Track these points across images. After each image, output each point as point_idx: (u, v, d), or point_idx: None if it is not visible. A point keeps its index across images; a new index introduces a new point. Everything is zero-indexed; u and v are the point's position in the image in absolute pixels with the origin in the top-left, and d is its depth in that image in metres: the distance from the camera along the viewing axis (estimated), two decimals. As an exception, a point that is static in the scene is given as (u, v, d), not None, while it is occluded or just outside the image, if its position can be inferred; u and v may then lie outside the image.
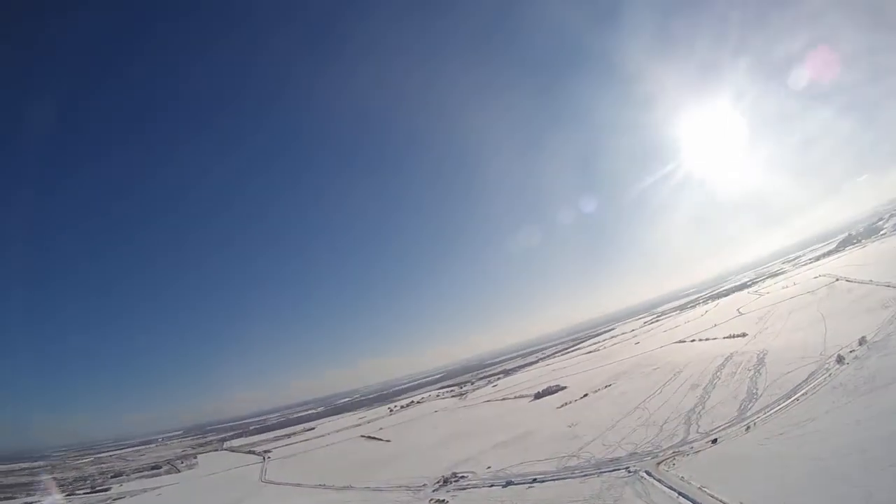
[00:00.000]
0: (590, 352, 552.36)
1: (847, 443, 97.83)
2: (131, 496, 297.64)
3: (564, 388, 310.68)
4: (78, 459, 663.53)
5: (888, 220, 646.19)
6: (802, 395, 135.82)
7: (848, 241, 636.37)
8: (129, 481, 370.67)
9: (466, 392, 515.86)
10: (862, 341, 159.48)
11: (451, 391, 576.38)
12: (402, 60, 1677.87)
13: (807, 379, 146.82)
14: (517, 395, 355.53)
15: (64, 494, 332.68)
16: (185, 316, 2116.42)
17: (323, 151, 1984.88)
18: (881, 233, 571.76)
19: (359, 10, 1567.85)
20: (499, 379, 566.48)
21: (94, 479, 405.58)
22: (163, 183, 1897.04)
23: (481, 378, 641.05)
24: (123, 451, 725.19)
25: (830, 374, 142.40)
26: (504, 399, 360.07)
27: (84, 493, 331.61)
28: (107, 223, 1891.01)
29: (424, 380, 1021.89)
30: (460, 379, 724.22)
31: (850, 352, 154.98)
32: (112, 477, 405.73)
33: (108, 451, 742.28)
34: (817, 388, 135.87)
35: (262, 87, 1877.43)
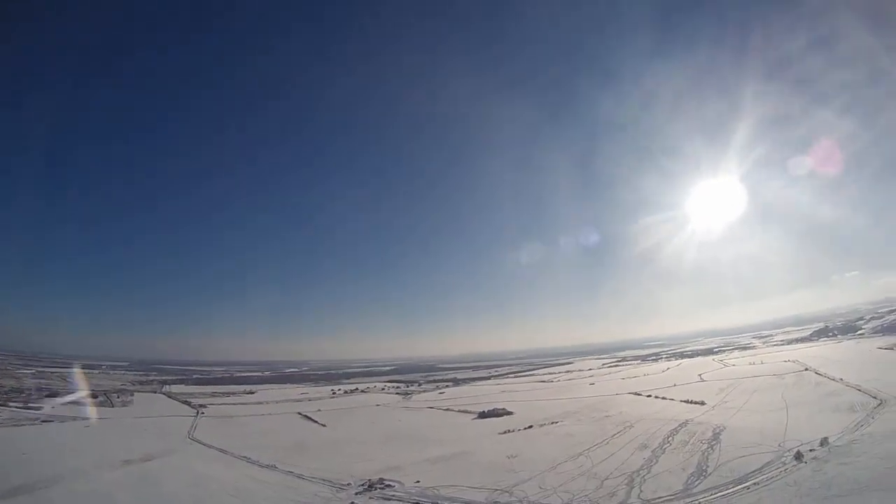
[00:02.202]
0: (543, 381, 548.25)
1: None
2: (59, 421, 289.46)
3: (510, 413, 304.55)
4: (21, 369, 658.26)
5: (868, 321, 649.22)
6: (753, 484, 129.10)
7: (823, 333, 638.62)
8: (62, 405, 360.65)
9: (412, 393, 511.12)
10: (824, 442, 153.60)
11: (398, 388, 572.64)
12: (402, 60, 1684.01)
13: (761, 468, 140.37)
14: (462, 408, 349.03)
15: None
16: (155, 245, 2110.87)
17: (320, 148, 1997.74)
18: (859, 332, 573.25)
19: (359, 10, 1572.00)
20: (447, 387, 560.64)
21: (29, 394, 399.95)
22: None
23: (430, 381, 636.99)
24: (67, 370, 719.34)
25: (786, 470, 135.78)
26: (448, 410, 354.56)
27: (16, 407, 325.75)
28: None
29: (375, 368, 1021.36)
30: (409, 377, 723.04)
31: (811, 450, 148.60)
32: (47, 396, 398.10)
33: (52, 367, 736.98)
34: (770, 482, 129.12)
35: (263, 87, 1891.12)
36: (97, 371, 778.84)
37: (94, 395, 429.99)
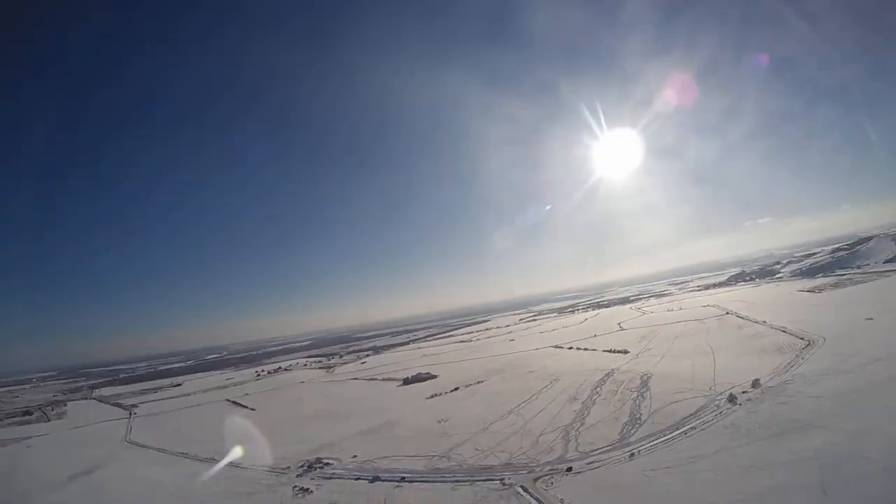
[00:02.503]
0: (463, 341, 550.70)
1: (740, 490, 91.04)
2: (2, 447, 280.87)
3: (435, 376, 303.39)
4: None
5: (786, 264, 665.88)
6: (690, 429, 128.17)
7: (741, 277, 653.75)
8: (0, 427, 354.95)
9: (334, 365, 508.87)
10: (755, 384, 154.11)
11: (320, 362, 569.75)
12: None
13: (695, 413, 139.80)
14: (385, 376, 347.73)
15: None
16: (60, 248, 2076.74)
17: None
18: (777, 276, 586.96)
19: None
20: (368, 356, 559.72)
21: None
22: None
23: (351, 352, 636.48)
24: None
25: (721, 413, 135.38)
26: (372, 379, 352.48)
27: None
28: None
29: (292, 345, 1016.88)
30: (329, 350, 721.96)
31: (743, 392, 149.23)
32: None
33: None
34: (706, 425, 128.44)
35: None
36: (28, 385, 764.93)
37: (29, 412, 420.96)
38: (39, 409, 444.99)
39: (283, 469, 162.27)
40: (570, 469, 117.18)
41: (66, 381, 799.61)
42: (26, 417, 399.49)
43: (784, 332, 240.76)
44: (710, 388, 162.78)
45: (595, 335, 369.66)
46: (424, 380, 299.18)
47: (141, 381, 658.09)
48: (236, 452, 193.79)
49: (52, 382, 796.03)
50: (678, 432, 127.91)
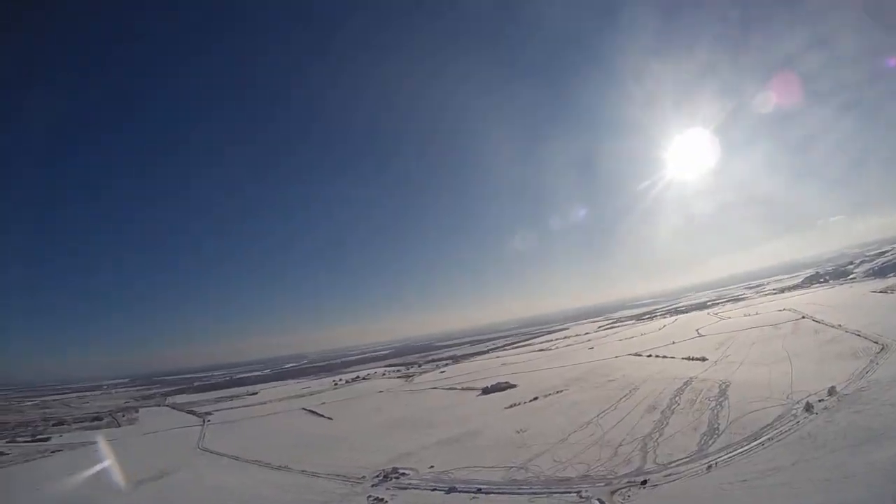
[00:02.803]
0: (542, 349, 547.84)
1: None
2: (69, 450, 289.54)
3: (514, 386, 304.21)
4: (23, 402, 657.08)
5: (859, 264, 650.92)
6: (767, 439, 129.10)
7: (815, 279, 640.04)
8: (69, 431, 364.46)
9: (413, 375, 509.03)
10: (832, 391, 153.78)
11: (398, 371, 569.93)
12: (402, 59, 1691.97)
13: (772, 423, 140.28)
14: (464, 385, 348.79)
15: (4, 441, 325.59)
16: (137, 259, 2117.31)
17: (325, 145, 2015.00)
18: (850, 276, 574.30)
19: (361, 10, 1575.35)
20: (447, 365, 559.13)
21: (35, 426, 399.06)
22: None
23: (429, 361, 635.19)
24: (69, 395, 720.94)
25: (798, 422, 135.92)
26: (451, 388, 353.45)
27: (24, 441, 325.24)
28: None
29: (373, 354, 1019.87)
30: (408, 359, 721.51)
31: (820, 401, 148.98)
32: (54, 425, 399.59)
33: (53, 395, 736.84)
34: (783, 435, 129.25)
35: (265, 87, 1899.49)
36: (99, 392, 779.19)
37: (99, 418, 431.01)
38: (110, 414, 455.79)
39: (359, 479, 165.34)
40: (644, 482, 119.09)
41: (138, 388, 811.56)
42: (96, 423, 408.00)
43: (858, 335, 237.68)
44: (787, 397, 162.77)
45: (673, 342, 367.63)
46: (503, 389, 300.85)
47: (216, 389, 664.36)
48: (311, 460, 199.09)
49: (123, 389, 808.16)
50: (756, 443, 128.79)
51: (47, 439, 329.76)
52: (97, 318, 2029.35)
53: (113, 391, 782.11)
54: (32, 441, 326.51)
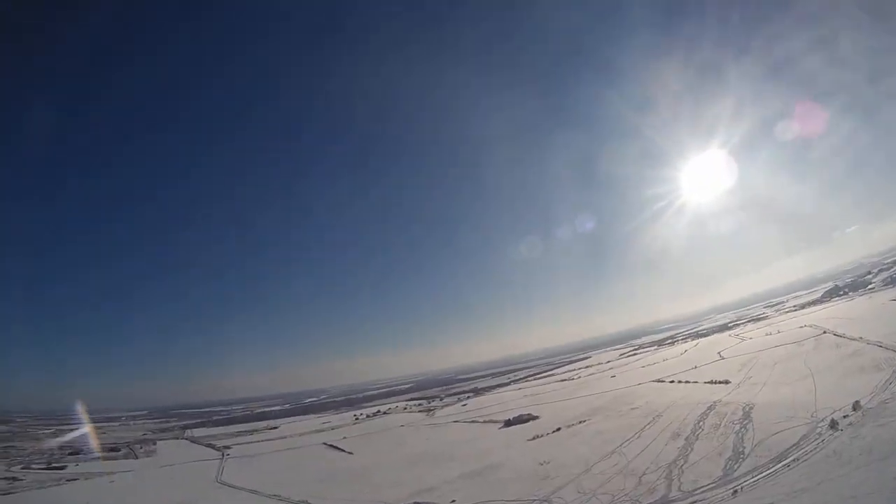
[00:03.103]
0: (563, 380, 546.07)
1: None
2: (85, 479, 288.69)
3: (536, 417, 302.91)
4: (40, 429, 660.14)
5: (877, 273, 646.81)
6: (793, 460, 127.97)
7: (834, 292, 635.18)
8: (86, 461, 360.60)
9: (435, 408, 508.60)
10: (856, 406, 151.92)
11: (420, 405, 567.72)
12: (403, 60, 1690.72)
13: (797, 442, 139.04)
14: (486, 418, 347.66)
15: (19, 466, 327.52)
16: (158, 288, 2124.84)
17: (322, 149, 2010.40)
18: (869, 286, 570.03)
19: (360, 10, 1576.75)
20: (469, 398, 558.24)
21: (52, 454, 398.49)
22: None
23: (451, 394, 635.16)
24: (86, 425, 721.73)
25: (823, 440, 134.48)
26: (473, 422, 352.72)
27: (39, 469, 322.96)
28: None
29: (394, 388, 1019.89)
30: (430, 392, 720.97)
31: (844, 416, 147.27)
32: (70, 454, 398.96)
33: (71, 424, 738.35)
34: (809, 455, 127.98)
35: (266, 86, 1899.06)
36: (117, 423, 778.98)
37: (116, 448, 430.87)
38: (128, 446, 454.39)
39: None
40: None
41: (156, 420, 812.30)
42: (112, 453, 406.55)
43: (880, 346, 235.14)
44: (811, 415, 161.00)
45: (696, 366, 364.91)
46: (526, 421, 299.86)
47: (235, 423, 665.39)
48: (330, 495, 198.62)
49: (142, 421, 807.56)
50: (781, 465, 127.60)
51: (63, 468, 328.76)
52: (116, 349, 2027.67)
53: (131, 423, 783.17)
54: (48, 469, 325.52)
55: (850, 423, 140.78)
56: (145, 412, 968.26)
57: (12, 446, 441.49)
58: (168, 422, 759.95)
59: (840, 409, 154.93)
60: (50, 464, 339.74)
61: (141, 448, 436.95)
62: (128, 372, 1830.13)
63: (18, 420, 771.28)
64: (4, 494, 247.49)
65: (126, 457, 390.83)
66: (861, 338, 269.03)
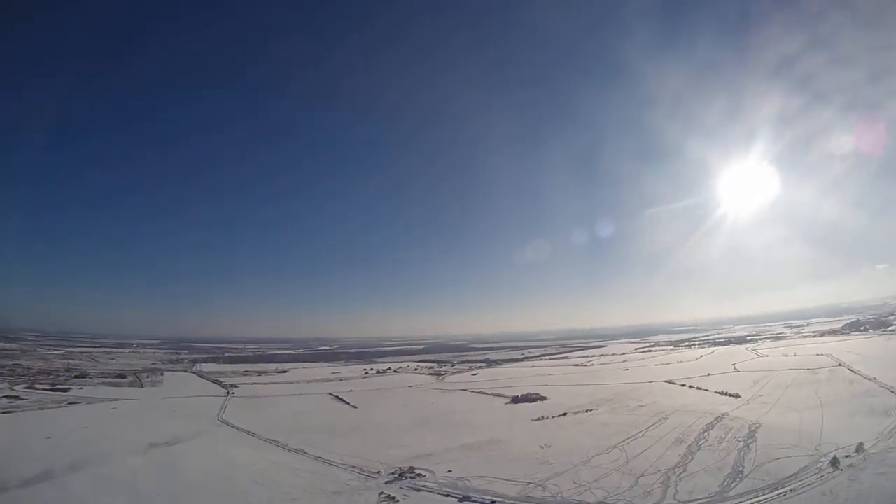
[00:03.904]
0: (576, 364, 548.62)
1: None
2: (87, 403, 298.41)
3: (544, 398, 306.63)
4: (49, 350, 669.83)
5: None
6: (789, 490, 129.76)
7: (854, 326, 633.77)
8: (91, 385, 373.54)
9: (445, 373, 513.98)
10: (860, 448, 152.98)
11: (431, 368, 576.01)
12: (409, 60, 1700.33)
13: (797, 473, 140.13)
14: (495, 391, 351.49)
15: (23, 386, 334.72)
16: (186, 220, 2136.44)
17: (323, 147, 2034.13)
18: (890, 328, 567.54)
19: (368, 10, 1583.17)
20: (480, 368, 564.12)
21: (57, 375, 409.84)
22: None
23: (463, 361, 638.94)
24: (96, 349, 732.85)
25: (822, 477, 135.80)
26: (481, 392, 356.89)
27: (42, 389, 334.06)
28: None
29: (407, 346, 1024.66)
30: (442, 356, 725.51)
31: (846, 456, 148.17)
32: (76, 377, 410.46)
33: (81, 347, 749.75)
34: (806, 489, 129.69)
35: (266, 85, 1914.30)
36: (127, 350, 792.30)
37: (123, 375, 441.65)
38: (135, 374, 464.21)
39: (374, 473, 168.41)
40: None
41: (167, 350, 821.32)
42: (119, 380, 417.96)
43: (892, 392, 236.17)
44: (815, 448, 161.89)
45: (709, 374, 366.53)
46: (533, 400, 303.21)
47: (245, 362, 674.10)
48: (329, 447, 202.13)
49: (152, 350, 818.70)
50: (776, 493, 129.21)
51: (67, 390, 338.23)
52: (134, 273, 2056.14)
53: (141, 351, 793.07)
54: (51, 390, 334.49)
55: (851, 465, 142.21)
56: (158, 342, 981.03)
57: (19, 365, 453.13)
58: (179, 353, 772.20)
59: (843, 448, 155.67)
60: (54, 385, 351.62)
61: (148, 377, 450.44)
62: (145, 300, 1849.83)
63: (30, 339, 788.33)
64: (4, 413, 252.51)
65: (131, 385, 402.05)
66: (875, 379, 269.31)
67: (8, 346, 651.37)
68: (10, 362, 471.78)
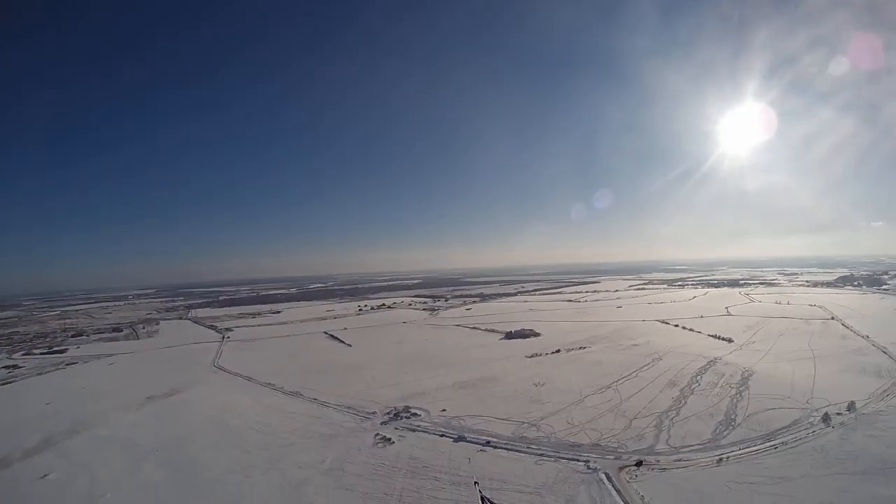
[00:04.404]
0: (570, 300, 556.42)
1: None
2: (83, 362, 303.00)
3: (538, 334, 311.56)
4: (46, 311, 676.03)
5: (893, 276, 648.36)
6: (781, 444, 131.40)
7: (848, 280, 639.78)
8: (88, 343, 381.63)
9: (439, 309, 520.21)
10: (851, 407, 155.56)
11: (425, 303, 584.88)
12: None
13: (788, 426, 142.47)
14: (488, 327, 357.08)
15: (21, 353, 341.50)
16: (178, 165, 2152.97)
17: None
18: (883, 286, 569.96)
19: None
20: (474, 302, 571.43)
21: (54, 337, 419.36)
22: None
23: (457, 296, 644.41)
24: (92, 305, 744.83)
25: (814, 432, 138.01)
26: (474, 328, 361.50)
27: (40, 353, 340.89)
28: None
29: (401, 281, 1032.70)
30: (436, 291, 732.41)
31: (838, 414, 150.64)
32: (73, 336, 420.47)
33: (77, 304, 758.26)
34: (797, 443, 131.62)
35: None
36: (123, 302, 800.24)
37: (119, 329, 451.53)
38: (130, 326, 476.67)
39: (369, 413, 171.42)
40: (639, 463, 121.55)
41: (163, 299, 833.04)
42: (115, 334, 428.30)
43: (884, 353, 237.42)
44: (807, 401, 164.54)
45: (702, 316, 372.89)
46: (527, 336, 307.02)
47: (240, 304, 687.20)
48: (324, 389, 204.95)
49: (148, 300, 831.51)
50: (768, 444, 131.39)
51: (63, 351, 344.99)
52: (126, 226, 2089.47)
53: (137, 302, 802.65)
54: (49, 353, 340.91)
55: (843, 423, 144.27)
56: (153, 290, 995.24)
57: (16, 332, 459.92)
58: (174, 301, 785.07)
59: (835, 405, 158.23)
60: (51, 348, 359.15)
61: (143, 328, 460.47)
62: (138, 250, 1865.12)
63: (25, 304, 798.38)
64: (3, 384, 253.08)
65: (127, 338, 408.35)
66: (868, 336, 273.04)
67: (4, 314, 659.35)
68: (8, 331, 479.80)
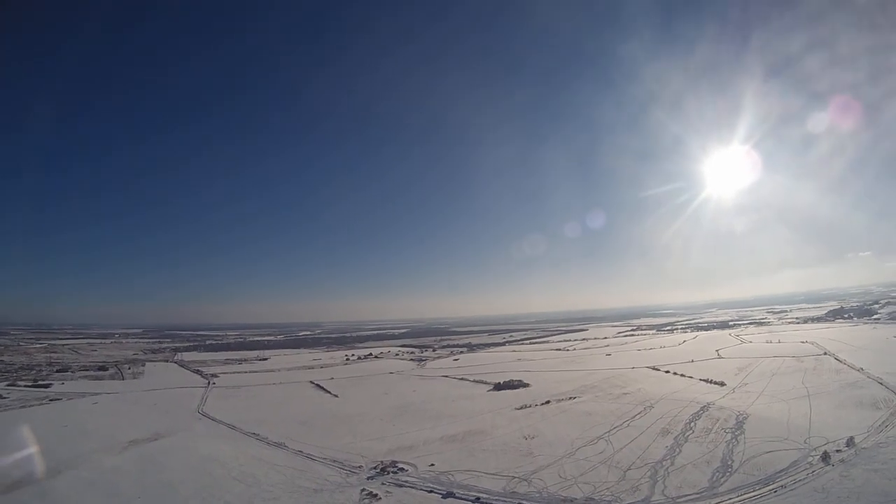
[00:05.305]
0: (558, 349, 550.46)
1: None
2: (67, 399, 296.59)
3: (527, 385, 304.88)
4: (33, 343, 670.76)
5: (884, 305, 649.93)
6: (780, 486, 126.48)
7: (838, 313, 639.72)
8: (73, 379, 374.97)
9: (426, 359, 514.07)
10: (850, 442, 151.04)
11: (412, 353, 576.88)
12: (405, 59, 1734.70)
13: (787, 468, 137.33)
14: (477, 378, 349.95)
15: (5, 383, 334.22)
16: (167, 212, 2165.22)
17: (326, 145, 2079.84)
18: (874, 316, 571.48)
19: (362, 10, 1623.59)
20: (462, 353, 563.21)
21: (39, 370, 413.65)
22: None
23: (445, 346, 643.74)
24: (79, 341, 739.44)
25: (813, 472, 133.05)
26: (462, 379, 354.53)
27: (24, 386, 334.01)
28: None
29: (388, 330, 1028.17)
30: (424, 341, 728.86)
31: (837, 451, 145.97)
32: (58, 371, 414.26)
33: (64, 339, 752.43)
34: (797, 485, 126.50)
35: (269, 85, 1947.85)
36: (110, 340, 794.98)
37: (104, 368, 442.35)
38: (116, 366, 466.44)
39: (356, 468, 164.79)
40: None
41: (149, 339, 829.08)
42: (101, 373, 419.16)
43: (880, 384, 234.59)
44: (804, 441, 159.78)
45: (693, 360, 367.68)
46: (516, 387, 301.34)
47: (227, 349, 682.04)
48: (309, 440, 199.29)
49: (134, 340, 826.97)
50: (767, 489, 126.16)
51: (48, 386, 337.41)
52: (117, 265, 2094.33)
53: (123, 341, 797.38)
54: (33, 386, 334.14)
55: (843, 460, 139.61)
56: (140, 330, 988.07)
57: (2, 361, 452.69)
58: (161, 342, 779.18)
59: (834, 442, 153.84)
60: (36, 381, 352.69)
61: (129, 369, 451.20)
62: (127, 290, 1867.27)
63: (13, 333, 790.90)
64: None
65: (113, 377, 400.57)
66: (862, 369, 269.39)
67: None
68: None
